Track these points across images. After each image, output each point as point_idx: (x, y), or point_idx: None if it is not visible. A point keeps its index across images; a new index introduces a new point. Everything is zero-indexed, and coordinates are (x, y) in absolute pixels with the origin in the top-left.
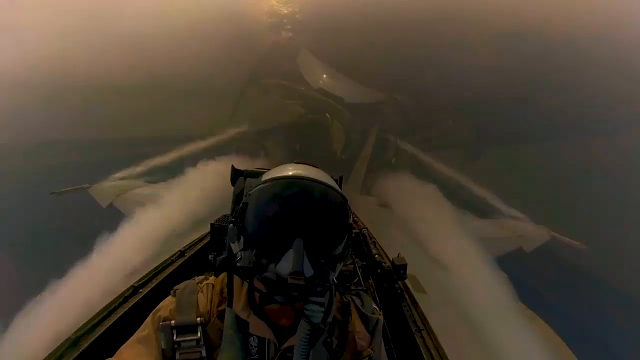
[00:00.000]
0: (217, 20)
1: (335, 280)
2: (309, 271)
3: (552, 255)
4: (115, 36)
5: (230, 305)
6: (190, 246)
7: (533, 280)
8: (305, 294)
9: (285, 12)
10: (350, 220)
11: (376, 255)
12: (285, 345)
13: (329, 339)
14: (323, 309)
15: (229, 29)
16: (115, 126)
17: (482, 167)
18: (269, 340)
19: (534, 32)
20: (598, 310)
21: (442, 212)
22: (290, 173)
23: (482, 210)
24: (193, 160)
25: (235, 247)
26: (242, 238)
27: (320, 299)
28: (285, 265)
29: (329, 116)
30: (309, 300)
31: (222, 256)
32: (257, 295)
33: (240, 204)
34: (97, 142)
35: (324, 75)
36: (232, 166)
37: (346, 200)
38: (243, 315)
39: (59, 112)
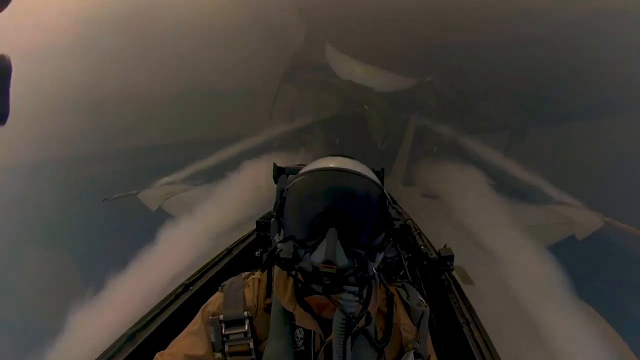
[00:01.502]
0: (247, 19)
1: (376, 271)
2: (342, 260)
3: (608, 243)
4: (145, 39)
5: (269, 294)
6: (237, 244)
7: (589, 270)
8: (339, 283)
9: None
10: (390, 210)
11: (422, 247)
12: (331, 337)
13: (367, 327)
14: (357, 299)
15: (260, 27)
16: (157, 133)
17: (529, 149)
18: (314, 332)
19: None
20: None
21: (488, 200)
22: (325, 165)
23: (531, 197)
24: (236, 161)
25: (277, 239)
26: (282, 230)
27: (354, 288)
28: (319, 255)
29: (366, 107)
30: (344, 290)
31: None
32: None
33: (281, 198)
34: (143, 149)
35: (356, 66)
36: (274, 164)
37: (382, 189)
38: (289, 308)
39: (99, 124)
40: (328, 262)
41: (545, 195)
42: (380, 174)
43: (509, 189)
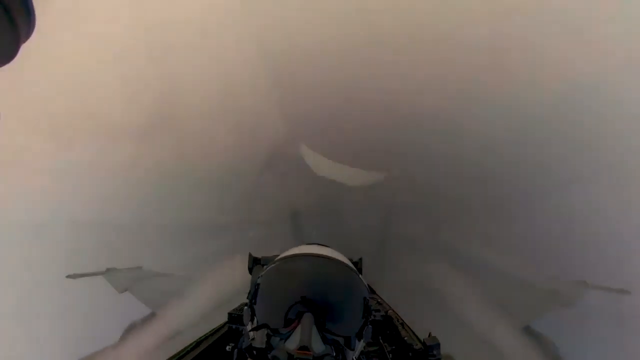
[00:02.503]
0: (224, 106)
1: None
2: (319, 347)
3: (600, 307)
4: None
5: None
6: (206, 337)
7: (582, 338)
8: None
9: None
10: (367, 295)
11: (405, 338)
12: None
13: None
14: None
15: (235, 114)
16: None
17: (502, 233)
18: None
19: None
20: None
21: (469, 286)
22: (300, 252)
23: (509, 278)
24: (211, 254)
25: (249, 328)
26: (255, 319)
27: None
28: (294, 341)
29: (343, 197)
30: None
31: (240, 346)
32: None
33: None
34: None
35: (325, 161)
36: (250, 254)
37: (357, 274)
38: None
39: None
40: (303, 348)
41: (524, 272)
42: (358, 263)
43: (487, 273)
